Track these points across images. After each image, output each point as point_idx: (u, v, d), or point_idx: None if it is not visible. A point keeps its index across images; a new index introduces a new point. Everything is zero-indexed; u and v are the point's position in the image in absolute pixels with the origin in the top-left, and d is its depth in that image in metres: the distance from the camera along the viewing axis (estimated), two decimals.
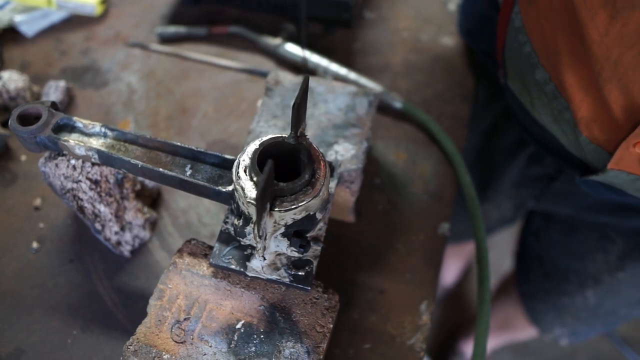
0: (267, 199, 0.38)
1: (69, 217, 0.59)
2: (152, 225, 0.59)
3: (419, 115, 0.66)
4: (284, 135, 0.42)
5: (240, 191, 0.40)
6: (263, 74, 0.71)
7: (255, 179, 0.40)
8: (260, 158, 0.41)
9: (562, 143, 0.55)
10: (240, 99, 0.69)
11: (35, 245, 0.57)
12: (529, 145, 0.76)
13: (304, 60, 0.62)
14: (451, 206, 0.62)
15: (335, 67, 0.69)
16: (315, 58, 0.70)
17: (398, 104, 0.67)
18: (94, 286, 0.55)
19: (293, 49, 0.71)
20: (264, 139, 0.42)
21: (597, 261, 0.80)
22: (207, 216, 0.60)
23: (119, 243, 0.55)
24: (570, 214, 0.80)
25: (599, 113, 0.47)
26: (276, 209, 0.39)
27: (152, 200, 0.60)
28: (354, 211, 0.58)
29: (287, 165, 0.43)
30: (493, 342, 1.26)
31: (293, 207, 0.40)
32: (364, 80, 0.68)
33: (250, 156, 0.41)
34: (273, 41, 0.72)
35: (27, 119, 0.48)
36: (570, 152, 0.55)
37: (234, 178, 0.41)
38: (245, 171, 0.41)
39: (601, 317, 0.88)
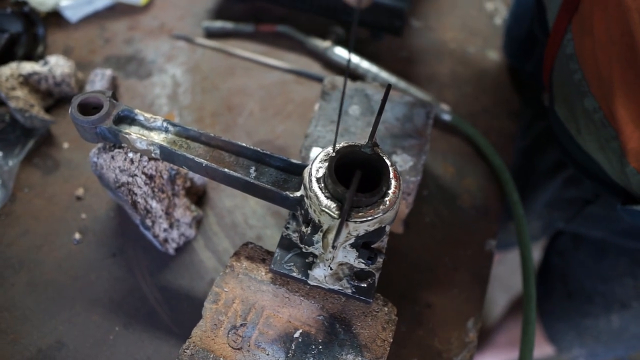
0: (349, 210, 0.37)
1: (111, 210, 0.58)
2: (198, 223, 0.58)
3: (467, 128, 0.66)
4: (359, 143, 0.41)
5: (314, 199, 0.39)
6: (311, 76, 0.70)
7: (330, 187, 0.39)
8: (336, 166, 0.40)
9: (606, 170, 0.55)
10: (287, 100, 0.68)
11: (77, 236, 0.56)
12: (567, 168, 0.75)
13: (348, 64, 0.61)
14: (498, 223, 0.61)
15: (385, 75, 0.68)
16: (365, 64, 0.69)
17: (447, 117, 0.66)
18: (136, 282, 0.54)
19: (343, 52, 0.70)
20: (339, 146, 0.41)
21: (626, 285, 0.80)
22: (253, 218, 0.59)
23: (166, 240, 0.54)
24: (601, 237, 0.80)
25: None
26: (352, 220, 0.38)
27: (197, 198, 0.59)
28: (403, 222, 0.57)
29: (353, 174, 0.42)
30: (506, 358, 1.25)
31: (369, 218, 0.39)
32: (413, 90, 0.67)
33: (325, 164, 0.40)
34: (322, 44, 0.71)
35: (86, 108, 0.47)
36: (612, 180, 0.55)
37: (307, 185, 0.40)
38: (317, 178, 0.40)
39: (624, 341, 0.87)
